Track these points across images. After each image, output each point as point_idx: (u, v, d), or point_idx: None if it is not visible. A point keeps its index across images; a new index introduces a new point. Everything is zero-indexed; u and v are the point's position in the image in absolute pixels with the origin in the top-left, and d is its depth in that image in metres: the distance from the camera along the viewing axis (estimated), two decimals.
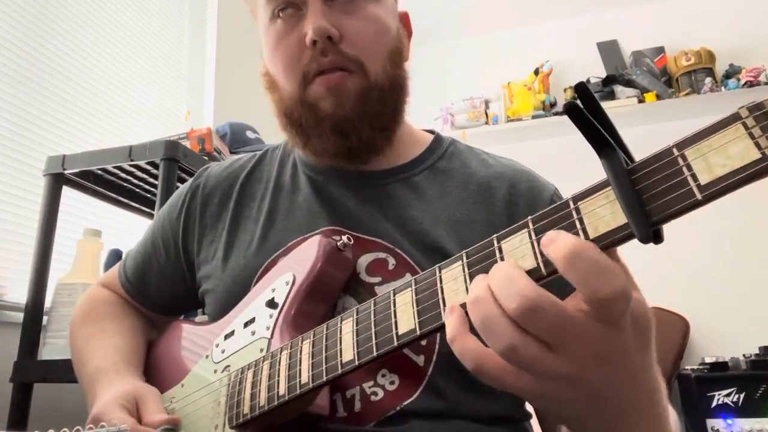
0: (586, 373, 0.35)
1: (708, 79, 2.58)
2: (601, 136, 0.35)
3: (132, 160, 1.28)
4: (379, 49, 0.68)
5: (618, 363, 0.36)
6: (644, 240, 0.33)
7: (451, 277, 0.41)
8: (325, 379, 0.49)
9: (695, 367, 2.08)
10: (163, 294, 0.80)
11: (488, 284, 0.36)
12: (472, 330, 0.37)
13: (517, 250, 0.37)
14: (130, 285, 0.81)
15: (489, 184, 0.71)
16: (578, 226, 0.36)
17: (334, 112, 0.66)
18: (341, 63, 0.65)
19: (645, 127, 2.58)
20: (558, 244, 0.34)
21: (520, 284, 0.34)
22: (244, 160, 0.81)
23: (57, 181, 1.35)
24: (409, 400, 0.58)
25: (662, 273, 2.35)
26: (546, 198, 0.70)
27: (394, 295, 0.45)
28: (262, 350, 0.59)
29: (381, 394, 0.58)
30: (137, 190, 1.49)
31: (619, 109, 2.60)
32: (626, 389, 0.37)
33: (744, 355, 2.06)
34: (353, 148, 0.68)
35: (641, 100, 2.65)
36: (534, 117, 2.80)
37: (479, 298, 0.36)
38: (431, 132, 0.80)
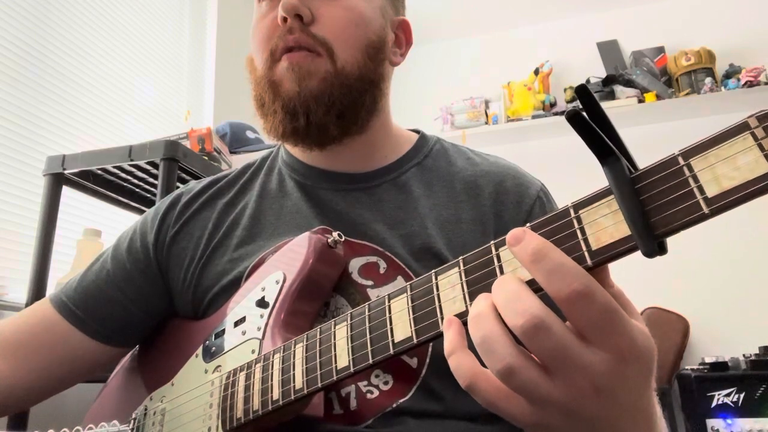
0: (583, 403, 0.34)
1: (708, 79, 2.58)
2: (604, 144, 0.34)
3: (132, 160, 1.28)
4: (353, 38, 0.67)
5: (617, 395, 0.34)
6: (649, 255, 0.32)
7: (448, 284, 0.41)
8: (319, 385, 0.48)
9: (695, 367, 2.08)
10: (116, 311, 0.72)
11: (491, 301, 0.35)
12: (470, 345, 0.36)
13: (515, 259, 0.36)
14: (75, 306, 0.72)
15: (476, 183, 0.70)
16: (579, 236, 0.35)
17: (291, 91, 0.65)
18: (306, 43, 0.65)
19: (645, 127, 2.58)
20: (524, 242, 0.34)
21: (528, 301, 0.33)
22: (224, 174, 0.79)
23: (57, 181, 1.35)
24: (405, 399, 0.58)
25: (662, 273, 2.35)
26: (532, 195, 0.70)
27: (388, 301, 0.44)
28: (253, 351, 0.58)
29: (376, 393, 0.58)
30: (137, 190, 1.49)
31: (619, 109, 2.60)
32: (623, 421, 0.36)
33: (744, 355, 2.06)
34: (300, 129, 0.66)
35: (641, 100, 2.64)
36: (534, 117, 2.80)
37: (481, 314, 0.35)
38: (416, 131, 0.79)
